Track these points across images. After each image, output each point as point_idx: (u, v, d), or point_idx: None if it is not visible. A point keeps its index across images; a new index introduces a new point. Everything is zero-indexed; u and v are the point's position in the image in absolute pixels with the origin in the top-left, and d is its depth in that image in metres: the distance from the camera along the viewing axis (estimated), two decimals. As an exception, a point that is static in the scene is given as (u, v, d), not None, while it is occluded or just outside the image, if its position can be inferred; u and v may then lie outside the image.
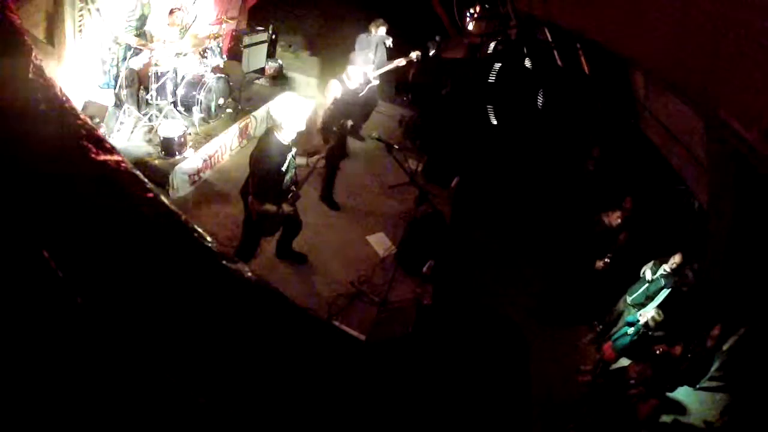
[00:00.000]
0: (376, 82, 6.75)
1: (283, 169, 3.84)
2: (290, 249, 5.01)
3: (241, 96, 6.95)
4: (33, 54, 1.47)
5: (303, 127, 3.87)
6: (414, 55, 6.77)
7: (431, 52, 7.80)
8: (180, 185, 5.59)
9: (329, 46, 9.33)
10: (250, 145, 6.88)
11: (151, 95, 5.77)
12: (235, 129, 6.51)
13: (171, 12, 5.84)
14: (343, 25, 8.71)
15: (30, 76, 1.41)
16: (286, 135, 3.81)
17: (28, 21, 4.64)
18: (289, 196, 4.09)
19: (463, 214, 6.60)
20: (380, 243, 5.74)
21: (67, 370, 1.02)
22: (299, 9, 10.03)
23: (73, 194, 1.23)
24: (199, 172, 5.89)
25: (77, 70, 5.38)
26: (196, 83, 6.01)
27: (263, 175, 3.78)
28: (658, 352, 4.81)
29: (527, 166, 7.04)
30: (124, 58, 5.76)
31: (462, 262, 6.10)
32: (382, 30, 6.69)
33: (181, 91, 5.98)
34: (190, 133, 5.89)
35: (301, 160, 4.24)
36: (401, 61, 6.74)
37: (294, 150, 3.97)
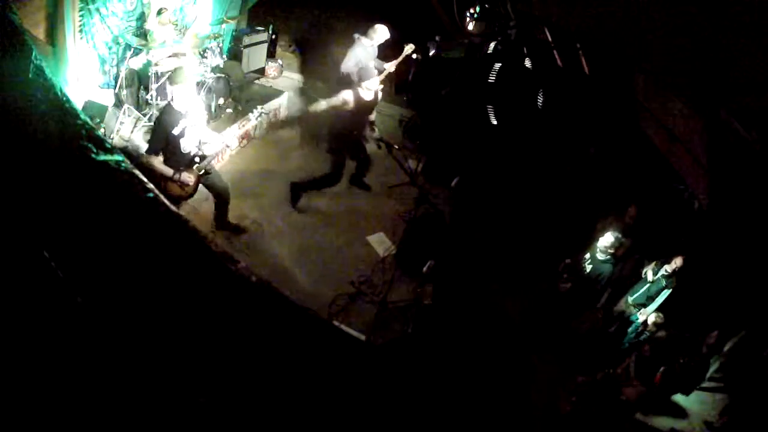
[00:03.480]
0: (381, 86, 6.76)
1: (175, 132, 4.17)
2: (226, 220, 5.15)
3: (241, 96, 6.95)
4: (33, 54, 1.47)
5: (190, 95, 4.30)
6: (408, 48, 6.73)
7: (431, 52, 7.80)
8: (180, 185, 5.58)
9: (330, 46, 9.33)
10: (250, 145, 6.90)
11: (151, 95, 5.77)
12: (235, 129, 6.52)
13: (160, 11, 5.84)
14: (343, 25, 8.70)
15: (30, 76, 1.41)
16: (178, 103, 4.18)
17: (28, 21, 4.65)
18: (195, 166, 4.41)
19: (463, 214, 6.60)
20: (380, 243, 5.74)
21: (67, 369, 1.02)
22: (299, 9, 10.02)
23: (73, 194, 1.23)
24: (199, 172, 5.89)
25: (77, 70, 5.38)
26: (196, 83, 6.01)
27: (154, 135, 4.22)
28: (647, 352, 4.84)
29: (527, 166, 7.03)
30: (124, 58, 5.76)
31: (462, 262, 6.10)
32: (382, 35, 6.51)
33: (181, 91, 5.97)
34: (190, 133, 5.89)
35: (210, 144, 4.50)
36: (398, 61, 6.74)
37: (197, 125, 4.35)
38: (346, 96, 5.61)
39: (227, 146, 4.62)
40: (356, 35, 6.53)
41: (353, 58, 6.40)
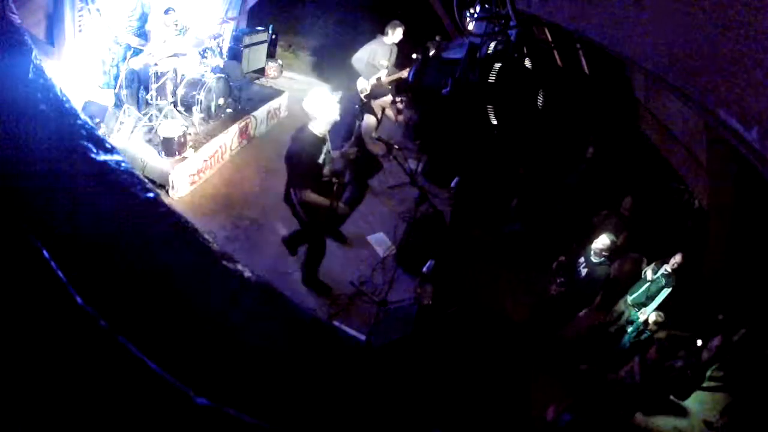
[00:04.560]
0: (389, 88, 6.74)
1: (320, 161, 3.89)
2: (317, 275, 4.84)
3: (241, 96, 6.96)
4: (33, 54, 1.47)
5: (335, 119, 3.95)
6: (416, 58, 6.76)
7: (431, 52, 7.79)
8: (180, 185, 5.59)
9: (330, 46, 9.34)
10: (250, 145, 6.90)
11: (151, 95, 5.78)
12: (235, 129, 6.52)
13: (167, 12, 5.85)
14: (343, 25, 8.70)
15: (30, 76, 1.41)
16: (319, 127, 3.88)
17: (28, 21, 4.65)
18: (335, 188, 4.12)
19: (463, 214, 6.60)
20: (380, 243, 5.74)
21: (67, 369, 1.02)
22: (300, 9, 10.03)
23: (74, 194, 1.23)
24: (199, 172, 5.89)
25: (77, 70, 5.39)
26: (196, 83, 6.01)
27: (301, 168, 3.86)
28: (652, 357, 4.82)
29: (527, 165, 7.04)
30: (124, 58, 5.77)
31: (462, 262, 6.10)
32: (399, 33, 6.44)
33: (181, 91, 5.98)
34: (190, 133, 5.89)
35: (334, 153, 4.22)
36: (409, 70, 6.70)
37: (329, 142, 4.03)
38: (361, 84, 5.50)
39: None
40: (379, 34, 6.51)
41: (368, 50, 6.39)
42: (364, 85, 6.53)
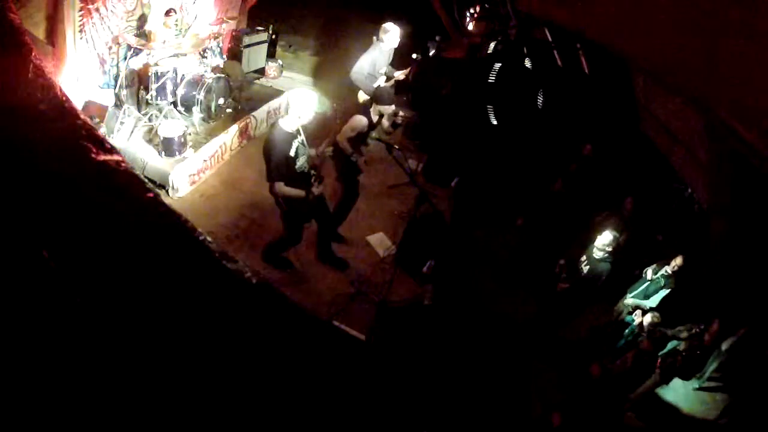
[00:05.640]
0: (392, 95, 6.67)
1: (291, 154, 4.07)
2: (330, 251, 5.11)
3: (241, 96, 6.95)
4: (33, 54, 1.47)
5: (307, 119, 4.13)
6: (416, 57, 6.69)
7: (431, 52, 7.79)
8: (180, 185, 5.59)
9: (330, 47, 9.34)
10: (250, 145, 6.90)
11: (151, 95, 5.77)
12: (235, 129, 6.52)
13: (167, 13, 5.85)
14: (343, 25, 8.70)
15: (30, 76, 1.41)
16: (288, 124, 4.07)
17: (28, 21, 4.65)
18: (312, 179, 4.30)
19: (463, 214, 6.60)
20: (380, 243, 5.74)
21: (67, 370, 1.02)
22: (299, 9, 10.02)
23: (73, 194, 1.23)
24: (199, 172, 5.89)
25: (77, 70, 5.39)
26: (196, 83, 6.01)
27: (273, 161, 4.06)
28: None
29: (527, 166, 7.03)
30: (124, 58, 5.77)
31: (462, 262, 6.09)
32: (395, 34, 6.02)
33: (181, 91, 5.98)
34: (190, 133, 5.89)
35: (311, 151, 4.37)
36: (408, 71, 6.58)
37: (302, 138, 4.19)
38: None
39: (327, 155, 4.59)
40: (375, 38, 6.29)
41: (368, 61, 6.08)
42: (364, 98, 6.30)
